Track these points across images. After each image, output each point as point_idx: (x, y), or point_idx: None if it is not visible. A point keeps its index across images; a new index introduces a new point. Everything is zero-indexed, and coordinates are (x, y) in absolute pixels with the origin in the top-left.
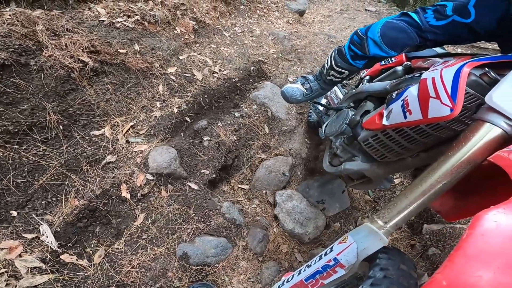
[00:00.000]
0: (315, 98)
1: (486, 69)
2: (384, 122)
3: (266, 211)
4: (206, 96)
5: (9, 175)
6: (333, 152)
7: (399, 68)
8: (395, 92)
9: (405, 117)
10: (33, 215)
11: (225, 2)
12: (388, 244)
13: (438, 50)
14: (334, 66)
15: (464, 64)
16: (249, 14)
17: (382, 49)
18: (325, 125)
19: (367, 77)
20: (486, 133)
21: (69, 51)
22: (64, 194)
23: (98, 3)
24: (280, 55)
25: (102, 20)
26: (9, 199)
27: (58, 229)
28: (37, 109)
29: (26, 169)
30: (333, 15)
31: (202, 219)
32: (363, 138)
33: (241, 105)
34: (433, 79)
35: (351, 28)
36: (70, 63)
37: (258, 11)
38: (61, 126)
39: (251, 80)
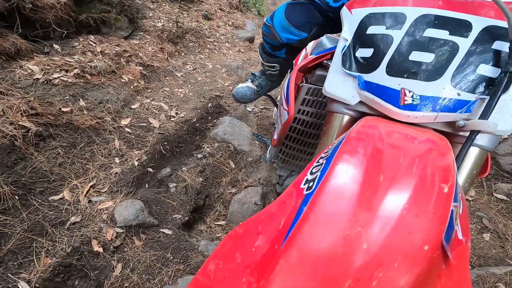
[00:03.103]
0: (266, 93)
1: (325, 62)
2: (274, 136)
3: None
4: (166, 143)
5: None
6: (277, 173)
7: None
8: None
9: (279, 127)
10: (9, 274)
11: (172, 42)
12: None
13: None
14: (264, 63)
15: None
16: (199, 50)
17: (292, 32)
18: (268, 150)
19: None
20: (338, 123)
21: (7, 117)
22: (35, 254)
23: (29, 60)
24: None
25: (37, 78)
26: None
27: (37, 285)
28: None
29: None
30: None
31: (182, 261)
32: (274, 156)
33: (203, 146)
34: (283, 86)
35: None
36: (11, 131)
37: (208, 45)
38: (16, 196)
39: (209, 118)
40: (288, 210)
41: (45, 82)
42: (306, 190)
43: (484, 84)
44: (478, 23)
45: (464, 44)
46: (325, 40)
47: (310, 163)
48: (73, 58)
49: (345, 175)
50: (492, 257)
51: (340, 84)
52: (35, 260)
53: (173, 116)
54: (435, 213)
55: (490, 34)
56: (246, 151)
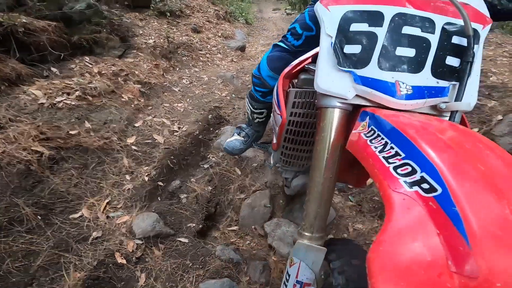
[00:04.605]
0: (255, 141)
1: (306, 66)
2: (274, 141)
3: (260, 243)
4: (172, 157)
5: (7, 261)
6: (283, 176)
7: None
8: None
9: (276, 132)
10: None
11: (165, 58)
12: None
13: None
14: (254, 110)
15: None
16: (193, 63)
17: (277, 78)
18: (271, 156)
19: None
20: (331, 117)
21: (20, 144)
22: (64, 269)
23: (31, 84)
24: (233, 95)
25: (42, 103)
26: (14, 279)
27: None
28: (10, 206)
29: (20, 255)
30: (272, 42)
31: (201, 266)
32: (277, 159)
33: (208, 156)
34: (274, 94)
35: None
36: (25, 156)
37: (201, 58)
38: (39, 217)
39: (211, 129)
40: (425, 214)
41: (49, 106)
42: (427, 192)
43: (452, 72)
44: (439, 21)
45: (434, 39)
46: None
47: (376, 165)
48: (73, 80)
49: (459, 168)
50: None
51: (334, 80)
52: (65, 274)
53: (176, 130)
54: None
55: (448, 30)
56: (250, 157)
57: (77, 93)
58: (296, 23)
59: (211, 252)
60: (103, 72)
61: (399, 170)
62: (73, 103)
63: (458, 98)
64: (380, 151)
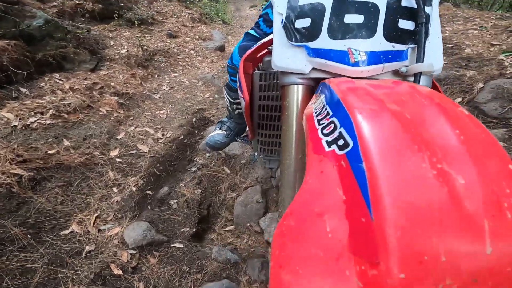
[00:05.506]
0: (238, 134)
1: (269, 47)
2: (247, 129)
3: (258, 240)
4: (158, 164)
5: (6, 279)
6: (267, 166)
7: None
8: None
9: (246, 119)
10: None
11: (142, 66)
12: None
13: None
14: (232, 101)
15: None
16: (172, 68)
17: None
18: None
19: None
20: (294, 94)
21: None
22: (63, 284)
23: (1, 107)
24: (216, 95)
25: (15, 125)
26: None
27: None
28: None
29: (17, 272)
30: None
31: (198, 270)
32: (255, 149)
33: (195, 159)
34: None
35: None
36: (4, 180)
37: (180, 62)
38: (29, 235)
39: (196, 132)
40: (336, 177)
41: (23, 128)
42: (341, 150)
43: (407, 35)
44: None
45: (381, 4)
46: None
47: (309, 128)
48: (44, 99)
49: (376, 120)
50: None
51: (289, 56)
52: None
53: (160, 138)
54: (482, 131)
55: None
56: (238, 154)
57: (50, 111)
58: (269, 7)
59: (208, 254)
60: (75, 87)
61: (324, 130)
62: (47, 122)
63: (419, 59)
64: (317, 115)
